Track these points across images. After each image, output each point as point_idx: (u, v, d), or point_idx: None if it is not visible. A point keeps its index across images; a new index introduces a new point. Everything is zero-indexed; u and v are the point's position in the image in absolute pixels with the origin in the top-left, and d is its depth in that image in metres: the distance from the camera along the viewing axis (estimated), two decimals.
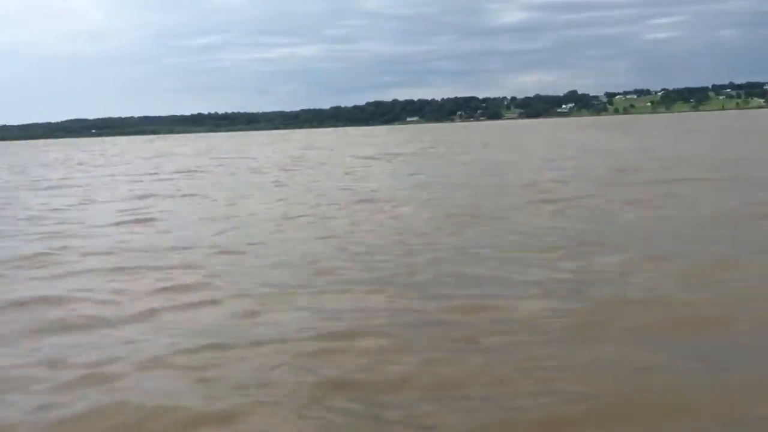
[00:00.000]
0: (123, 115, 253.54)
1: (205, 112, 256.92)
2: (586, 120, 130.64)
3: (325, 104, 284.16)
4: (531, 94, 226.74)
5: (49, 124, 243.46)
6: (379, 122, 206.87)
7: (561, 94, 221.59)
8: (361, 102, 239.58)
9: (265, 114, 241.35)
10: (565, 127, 78.68)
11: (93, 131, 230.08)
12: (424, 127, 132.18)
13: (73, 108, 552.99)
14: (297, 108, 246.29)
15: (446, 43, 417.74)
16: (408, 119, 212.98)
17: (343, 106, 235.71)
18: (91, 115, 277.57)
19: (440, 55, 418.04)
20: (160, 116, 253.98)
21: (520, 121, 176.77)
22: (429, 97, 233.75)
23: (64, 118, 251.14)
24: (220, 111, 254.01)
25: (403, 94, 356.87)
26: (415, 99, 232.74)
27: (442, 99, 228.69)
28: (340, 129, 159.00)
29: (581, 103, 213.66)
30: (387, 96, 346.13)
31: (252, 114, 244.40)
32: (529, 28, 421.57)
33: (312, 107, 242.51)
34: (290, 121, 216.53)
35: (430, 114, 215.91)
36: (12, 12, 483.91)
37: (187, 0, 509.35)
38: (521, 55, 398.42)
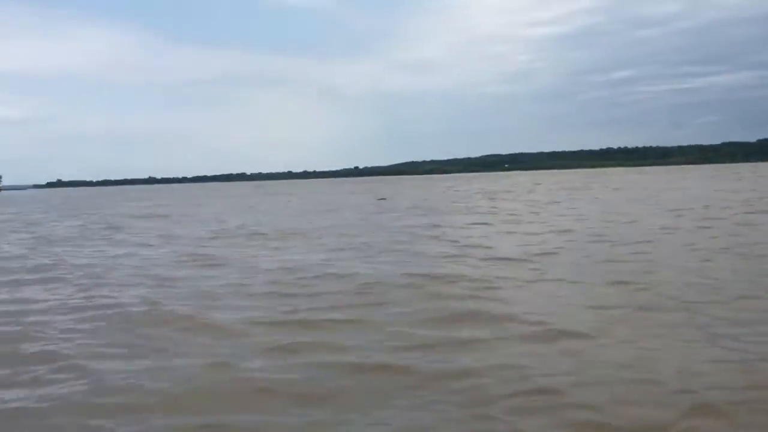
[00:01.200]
0: (534, 151, 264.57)
1: (614, 146, 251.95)
2: None
3: (751, 137, 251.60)
4: None
5: (468, 159, 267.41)
6: None
7: None
8: None
9: (680, 148, 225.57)
10: None
11: (506, 165, 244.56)
12: None
13: (488, 144, 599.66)
14: (717, 141, 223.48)
15: None
16: None
17: None
18: (504, 150, 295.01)
19: None
20: (569, 151, 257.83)
21: None
22: None
23: (480, 154, 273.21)
24: (630, 145, 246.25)
25: None
26: None
27: None
28: None
29: None
30: None
31: (665, 148, 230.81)
32: None
33: (735, 140, 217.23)
34: (709, 156, 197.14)
35: None
36: (449, 57, 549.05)
37: (606, 36, 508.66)
38: None
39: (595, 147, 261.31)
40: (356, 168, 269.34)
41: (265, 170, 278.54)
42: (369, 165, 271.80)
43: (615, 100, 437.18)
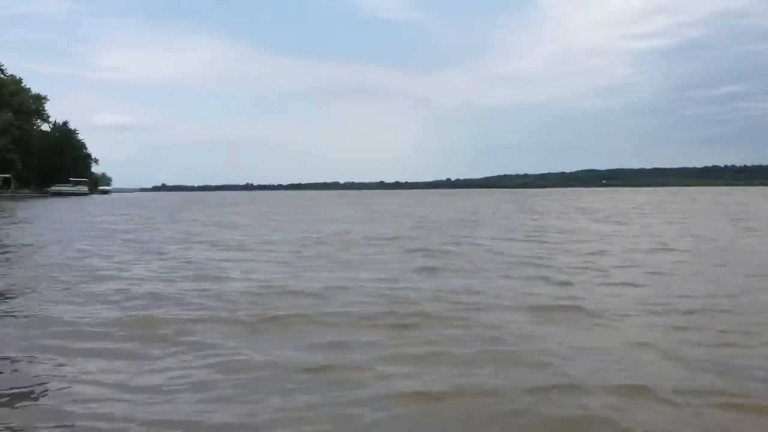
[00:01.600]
0: (633, 167, 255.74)
1: (721, 164, 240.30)
2: None
3: None
4: None
5: (563, 173, 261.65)
6: None
7: None
8: None
9: None
10: None
11: (603, 181, 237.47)
12: None
13: (584, 159, 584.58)
14: None
15: None
16: None
17: None
18: (601, 166, 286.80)
19: None
20: (671, 168, 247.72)
21: None
22: None
23: (575, 169, 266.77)
24: (738, 163, 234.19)
25: None
26: None
27: None
28: None
29: None
30: None
31: None
32: None
33: None
34: None
35: None
36: (546, 71, 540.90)
37: (710, 50, 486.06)
38: None
39: (699, 164, 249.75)
40: (448, 180, 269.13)
41: (357, 180, 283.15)
42: (461, 177, 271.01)
43: (720, 116, 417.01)
